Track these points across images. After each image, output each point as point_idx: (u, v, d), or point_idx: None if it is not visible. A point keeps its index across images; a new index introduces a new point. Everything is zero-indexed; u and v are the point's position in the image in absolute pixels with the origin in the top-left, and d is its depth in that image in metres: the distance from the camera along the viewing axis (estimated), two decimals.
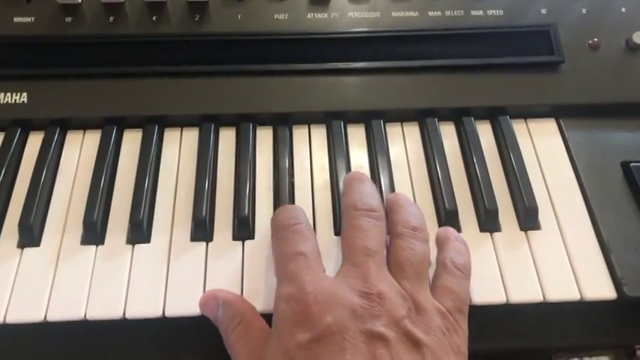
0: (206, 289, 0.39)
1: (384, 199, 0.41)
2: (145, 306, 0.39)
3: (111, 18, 0.50)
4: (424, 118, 0.47)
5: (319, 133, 0.47)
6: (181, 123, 0.47)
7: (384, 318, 0.32)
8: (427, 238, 0.38)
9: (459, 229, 0.42)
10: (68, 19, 0.49)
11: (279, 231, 0.38)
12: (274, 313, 0.34)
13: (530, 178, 0.44)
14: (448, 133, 0.48)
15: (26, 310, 0.38)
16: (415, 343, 0.32)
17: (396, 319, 0.32)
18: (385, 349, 0.31)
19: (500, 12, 0.51)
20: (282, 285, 0.35)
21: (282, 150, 0.45)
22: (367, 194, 0.39)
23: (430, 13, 0.50)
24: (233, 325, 0.36)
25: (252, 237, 0.42)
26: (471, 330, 0.40)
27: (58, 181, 0.44)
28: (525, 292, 0.39)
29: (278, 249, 0.37)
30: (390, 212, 0.39)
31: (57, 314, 0.38)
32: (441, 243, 0.39)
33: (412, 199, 0.44)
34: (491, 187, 0.43)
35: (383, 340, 0.31)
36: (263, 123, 0.48)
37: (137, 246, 0.41)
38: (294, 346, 0.31)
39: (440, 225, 0.42)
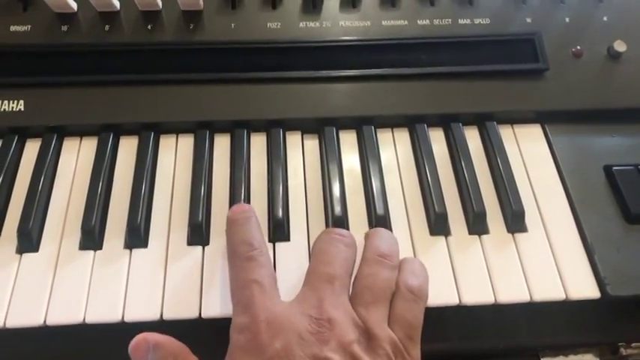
0: (203, 292, 0.40)
1: None
2: (142, 309, 0.39)
3: (106, 27, 0.50)
4: (414, 123, 0.49)
5: (312, 139, 0.49)
6: (177, 130, 0.48)
7: (332, 343, 0.33)
8: (395, 266, 0.38)
9: (448, 232, 0.43)
10: (64, 28, 0.50)
11: (233, 258, 0.38)
12: (230, 342, 0.35)
13: (516, 181, 0.45)
14: (437, 139, 0.49)
15: (26, 315, 0.39)
16: None
17: (343, 344, 0.33)
18: None
19: (487, 21, 0.52)
20: (236, 314, 0.35)
21: (276, 156, 0.46)
22: (341, 229, 0.40)
23: (419, 22, 0.52)
24: None
25: None
26: (460, 329, 0.41)
27: (56, 187, 0.45)
28: (513, 292, 0.41)
29: (232, 276, 0.38)
30: (365, 239, 0.40)
31: (56, 318, 0.39)
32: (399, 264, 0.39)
33: (403, 202, 0.45)
34: (479, 190, 0.44)
35: None
36: (257, 129, 0.49)
37: (134, 250, 0.42)
38: None
39: (430, 228, 0.43)
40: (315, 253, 0.38)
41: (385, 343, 0.34)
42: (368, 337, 0.34)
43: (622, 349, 0.42)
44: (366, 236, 0.40)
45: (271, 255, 0.42)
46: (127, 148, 0.47)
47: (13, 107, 0.47)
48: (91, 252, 0.42)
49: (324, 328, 0.33)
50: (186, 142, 0.48)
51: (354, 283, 0.37)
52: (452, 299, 0.40)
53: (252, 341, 0.33)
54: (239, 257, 0.38)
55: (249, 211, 0.40)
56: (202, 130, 0.47)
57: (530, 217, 0.44)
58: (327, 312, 0.34)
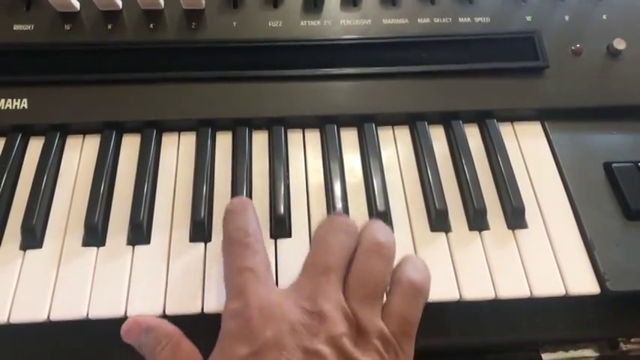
0: (205, 288, 0.40)
1: None
2: (145, 305, 0.40)
3: (109, 25, 0.51)
4: (414, 121, 0.49)
5: (313, 137, 0.49)
6: (179, 127, 0.49)
7: (322, 335, 0.33)
8: (391, 256, 0.37)
9: (448, 228, 0.44)
10: (67, 27, 0.51)
11: (228, 244, 0.38)
12: (221, 327, 0.35)
13: (516, 178, 0.45)
14: (438, 136, 0.49)
15: (29, 310, 0.39)
16: None
17: (333, 337, 0.33)
18: None
19: (487, 19, 0.52)
20: (229, 300, 0.35)
21: (278, 153, 0.47)
22: (345, 216, 0.39)
23: (419, 20, 0.52)
24: (159, 347, 0.35)
25: None
26: (460, 325, 0.42)
27: (59, 184, 0.45)
28: (513, 287, 0.41)
29: (227, 262, 0.37)
30: (361, 229, 0.40)
31: (60, 314, 0.39)
32: (399, 260, 0.38)
33: (404, 199, 0.45)
34: (480, 187, 0.45)
35: (318, 357, 0.32)
36: (259, 127, 0.49)
37: (137, 247, 0.42)
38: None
39: (431, 225, 0.44)
40: (315, 240, 0.38)
41: (375, 338, 0.34)
42: (358, 331, 0.34)
43: (622, 345, 0.42)
44: (363, 227, 0.40)
45: (273, 251, 0.42)
46: (130, 145, 0.48)
47: (16, 105, 0.47)
48: (94, 248, 0.42)
49: (316, 321, 0.33)
50: (189, 139, 0.48)
51: (349, 274, 0.36)
52: (452, 295, 0.41)
53: (244, 328, 0.33)
54: (234, 243, 0.37)
55: (247, 202, 0.40)
56: (204, 128, 0.48)
57: (530, 214, 0.44)
58: (319, 304, 0.34)
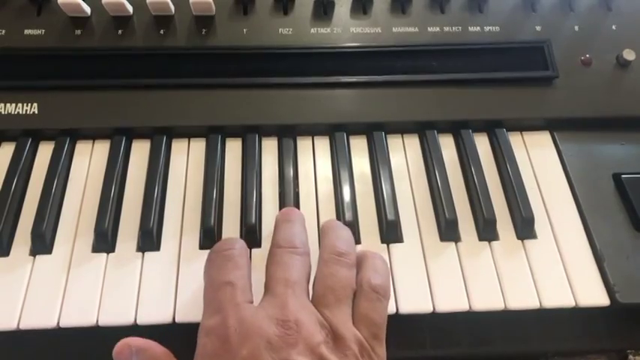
0: None
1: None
2: (155, 312, 0.40)
3: (119, 31, 0.51)
4: (424, 130, 0.49)
5: (323, 144, 0.49)
6: (189, 134, 0.49)
7: (299, 346, 0.32)
8: (353, 264, 0.38)
9: (458, 238, 0.44)
10: (78, 32, 0.51)
11: (212, 254, 0.38)
12: (197, 345, 0.34)
13: (526, 188, 0.45)
14: (447, 145, 0.49)
15: (39, 317, 0.39)
16: None
17: (311, 346, 0.32)
18: None
19: (497, 28, 0.52)
20: (206, 315, 0.35)
21: (287, 160, 0.47)
22: (292, 234, 0.39)
23: (429, 29, 0.52)
24: None
25: (258, 245, 0.43)
26: (470, 335, 0.41)
27: (69, 190, 0.46)
28: (522, 298, 0.41)
29: (208, 274, 0.37)
30: (321, 237, 0.40)
31: (69, 320, 0.39)
32: (358, 262, 0.38)
33: (413, 208, 0.45)
34: (490, 197, 0.45)
35: None
36: (268, 134, 0.49)
37: (147, 253, 0.42)
38: None
39: (441, 234, 0.44)
40: (268, 267, 0.37)
41: (352, 343, 0.34)
42: (334, 337, 0.34)
43: (630, 357, 0.42)
44: (322, 232, 0.40)
45: None
46: (140, 151, 0.48)
47: (27, 110, 0.47)
48: (104, 254, 0.42)
49: (292, 330, 0.33)
50: (199, 146, 0.48)
51: (314, 285, 0.37)
52: (462, 305, 0.40)
53: (220, 349, 0.33)
54: (217, 254, 0.37)
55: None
56: (214, 135, 0.48)
57: (540, 224, 0.44)
58: (292, 314, 0.33)
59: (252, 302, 0.36)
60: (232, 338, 0.32)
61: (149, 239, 0.42)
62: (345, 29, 0.52)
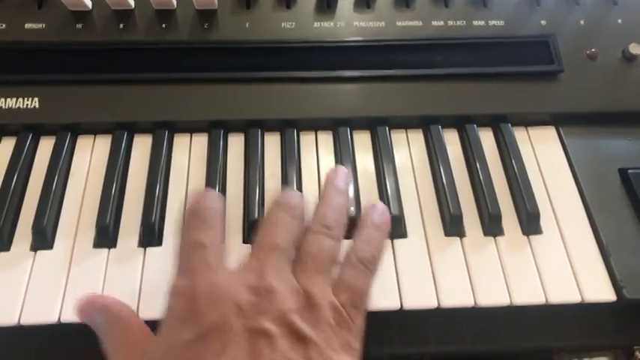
0: None
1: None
2: (158, 307, 0.39)
3: (121, 25, 0.51)
4: (428, 125, 0.49)
5: (326, 140, 0.48)
6: (191, 129, 0.48)
7: (270, 314, 0.32)
8: (339, 236, 0.37)
9: (463, 233, 0.43)
10: (79, 26, 0.50)
11: (188, 215, 0.37)
12: (166, 304, 0.33)
13: (531, 183, 0.45)
14: (451, 140, 0.49)
15: (40, 312, 0.39)
16: (300, 338, 0.31)
17: (282, 314, 0.32)
18: (267, 345, 0.30)
19: (502, 22, 0.52)
20: (177, 275, 0.34)
21: (290, 155, 0.46)
22: (293, 196, 0.38)
23: (434, 23, 0.52)
24: (111, 327, 0.35)
25: None
26: (475, 331, 0.41)
27: (70, 185, 0.45)
28: (528, 294, 0.41)
29: (183, 234, 0.36)
30: (321, 194, 0.39)
31: (70, 316, 0.39)
32: (358, 228, 0.38)
33: (418, 203, 0.45)
34: (495, 192, 0.44)
35: (266, 336, 0.31)
36: (271, 129, 0.48)
37: (149, 249, 0.42)
38: (177, 344, 0.31)
39: (445, 229, 0.43)
40: (262, 223, 0.37)
41: (327, 310, 0.33)
42: (308, 305, 0.33)
43: (637, 353, 0.42)
44: (322, 192, 0.39)
45: None
46: (141, 146, 0.47)
47: (27, 104, 0.47)
48: (106, 250, 0.42)
49: (263, 298, 0.32)
50: (201, 141, 0.48)
51: (299, 252, 0.36)
52: (467, 300, 0.40)
53: (189, 311, 0.32)
54: (193, 214, 0.37)
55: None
56: (217, 130, 0.47)
57: (545, 219, 0.44)
58: (267, 281, 0.33)
59: (224, 264, 0.35)
60: (201, 302, 0.32)
61: (151, 234, 0.42)
62: (349, 23, 0.52)
